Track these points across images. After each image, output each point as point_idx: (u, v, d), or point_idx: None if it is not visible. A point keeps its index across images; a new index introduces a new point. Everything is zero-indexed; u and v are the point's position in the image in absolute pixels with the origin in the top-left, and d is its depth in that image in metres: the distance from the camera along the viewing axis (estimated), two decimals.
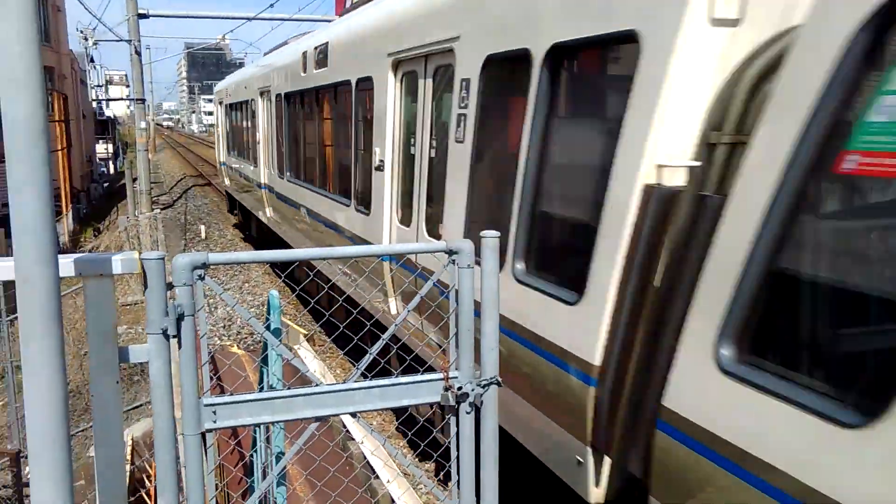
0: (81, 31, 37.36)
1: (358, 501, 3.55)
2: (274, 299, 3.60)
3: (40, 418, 2.13)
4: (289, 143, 12.81)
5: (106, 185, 41.21)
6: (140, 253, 2.62)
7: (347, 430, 6.98)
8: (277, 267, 16.37)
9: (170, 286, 2.61)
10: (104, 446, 2.64)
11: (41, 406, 2.13)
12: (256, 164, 15.77)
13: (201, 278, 2.63)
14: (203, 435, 2.71)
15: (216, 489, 2.86)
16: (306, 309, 13.70)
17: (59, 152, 26.06)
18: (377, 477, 6.11)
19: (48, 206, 2.11)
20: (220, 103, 22.00)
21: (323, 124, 10.74)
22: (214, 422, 2.70)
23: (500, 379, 2.96)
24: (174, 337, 2.59)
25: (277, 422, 3.37)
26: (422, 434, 6.10)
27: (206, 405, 2.67)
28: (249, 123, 16.63)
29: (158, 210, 22.87)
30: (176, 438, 2.73)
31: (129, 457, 7.26)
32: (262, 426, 3.86)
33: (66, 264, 2.52)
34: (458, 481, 3.02)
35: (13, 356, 8.71)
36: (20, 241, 2.09)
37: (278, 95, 13.19)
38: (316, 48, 10.53)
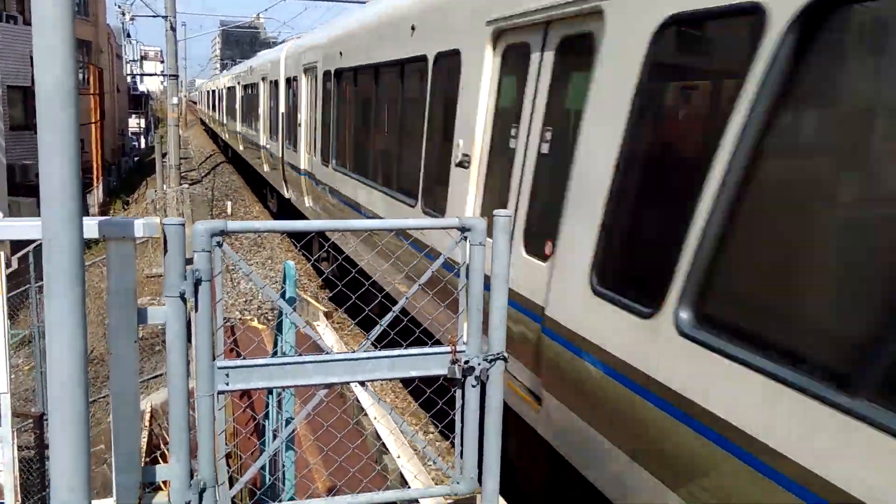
0: (119, 6, 37.81)
1: (364, 467, 3.64)
2: (290, 269, 3.69)
3: (61, 372, 2.23)
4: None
5: (136, 158, 41.80)
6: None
7: (358, 401, 7.08)
8: (297, 240, 16.53)
9: (189, 262, 2.71)
10: (120, 402, 2.74)
11: (62, 361, 2.23)
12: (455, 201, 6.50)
13: (219, 245, 2.72)
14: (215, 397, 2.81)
15: (226, 450, 2.97)
16: (321, 279, 14.00)
17: (93, 125, 26.44)
18: (386, 450, 6.22)
19: (75, 169, 2.19)
20: (307, 71, 13.01)
21: None
22: (227, 384, 2.79)
23: (506, 354, 3.02)
24: (191, 300, 2.69)
25: (287, 387, 3.47)
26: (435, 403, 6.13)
27: (220, 368, 2.77)
28: (394, 114, 8.21)
29: (186, 185, 23.16)
30: (190, 401, 2.83)
31: (147, 423, 7.45)
32: (274, 391, 3.97)
33: (91, 226, 2.61)
34: (462, 452, 3.10)
35: (40, 322, 8.93)
36: (48, 201, 2.18)
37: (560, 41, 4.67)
38: None
